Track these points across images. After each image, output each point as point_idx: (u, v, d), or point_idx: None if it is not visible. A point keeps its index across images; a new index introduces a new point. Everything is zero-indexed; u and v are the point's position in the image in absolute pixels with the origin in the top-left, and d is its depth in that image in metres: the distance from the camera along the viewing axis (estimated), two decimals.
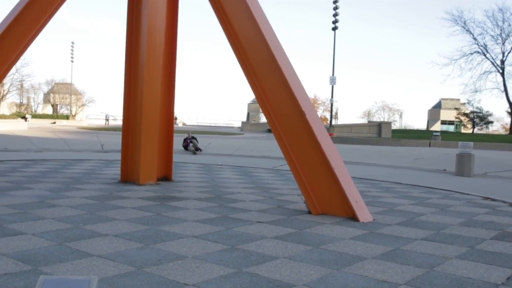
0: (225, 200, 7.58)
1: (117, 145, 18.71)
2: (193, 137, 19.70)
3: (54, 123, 58.84)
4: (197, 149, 19.20)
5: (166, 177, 9.74)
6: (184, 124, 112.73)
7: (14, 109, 70.62)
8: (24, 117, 57.54)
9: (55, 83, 78.54)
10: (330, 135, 31.06)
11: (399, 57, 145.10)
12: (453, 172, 14.31)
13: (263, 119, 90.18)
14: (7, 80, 46.67)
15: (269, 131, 49.58)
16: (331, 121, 45.74)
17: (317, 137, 6.69)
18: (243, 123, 75.34)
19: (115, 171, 10.71)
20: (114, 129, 43.22)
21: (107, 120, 71.26)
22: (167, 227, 5.56)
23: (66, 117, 67.80)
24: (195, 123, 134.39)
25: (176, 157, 15.94)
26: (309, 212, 6.78)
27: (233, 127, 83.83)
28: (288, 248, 4.85)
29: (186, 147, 19.72)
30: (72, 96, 73.37)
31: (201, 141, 24.61)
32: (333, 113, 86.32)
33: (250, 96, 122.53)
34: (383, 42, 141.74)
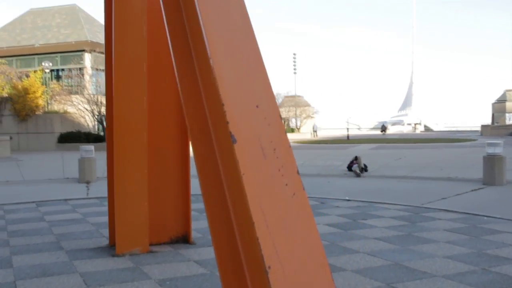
0: None
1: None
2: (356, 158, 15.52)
3: None
4: (362, 169, 14.89)
5: (184, 237, 6.09)
6: (426, 130, 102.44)
7: None
8: None
9: (285, 97, 79.17)
10: None
11: None
12: None
13: (509, 120, 77.86)
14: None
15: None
16: None
17: None
18: (482, 126, 65.62)
19: None
20: (318, 141, 40.35)
21: (315, 131, 69.43)
22: None
23: (291, 130, 67.63)
24: (443, 128, 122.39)
25: (319, 184, 10.92)
26: None
27: (476, 131, 73.77)
28: None
29: (350, 167, 15.57)
30: (297, 108, 72.84)
31: (391, 155, 20.16)
32: None
33: (496, 94, 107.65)
34: None
